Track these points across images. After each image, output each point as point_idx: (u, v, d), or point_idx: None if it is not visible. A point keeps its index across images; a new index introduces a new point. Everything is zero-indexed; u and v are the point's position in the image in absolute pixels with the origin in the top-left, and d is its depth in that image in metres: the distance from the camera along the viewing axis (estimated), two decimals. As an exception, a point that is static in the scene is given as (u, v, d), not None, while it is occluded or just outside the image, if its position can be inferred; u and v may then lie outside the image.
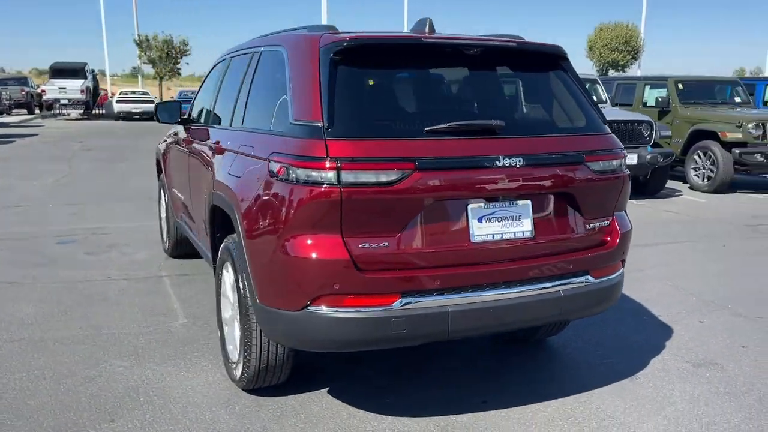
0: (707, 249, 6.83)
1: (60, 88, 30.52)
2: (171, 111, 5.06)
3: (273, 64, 3.38)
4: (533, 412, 3.27)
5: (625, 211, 3.38)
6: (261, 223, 2.88)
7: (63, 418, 3.14)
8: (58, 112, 31.23)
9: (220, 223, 3.68)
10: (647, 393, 3.48)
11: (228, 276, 3.52)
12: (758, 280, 5.69)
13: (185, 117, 5.15)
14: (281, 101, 3.09)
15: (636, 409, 3.30)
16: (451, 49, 3.04)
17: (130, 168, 13.37)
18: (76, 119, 31.03)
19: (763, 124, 10.32)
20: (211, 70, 4.99)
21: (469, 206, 2.84)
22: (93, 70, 34.52)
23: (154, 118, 5.12)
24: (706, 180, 10.72)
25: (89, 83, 31.89)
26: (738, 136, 10.30)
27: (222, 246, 3.49)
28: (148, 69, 42.71)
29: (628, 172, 3.28)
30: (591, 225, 3.14)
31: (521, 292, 2.92)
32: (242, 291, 3.13)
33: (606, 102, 11.18)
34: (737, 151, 10.29)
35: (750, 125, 10.26)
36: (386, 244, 2.72)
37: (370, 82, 2.95)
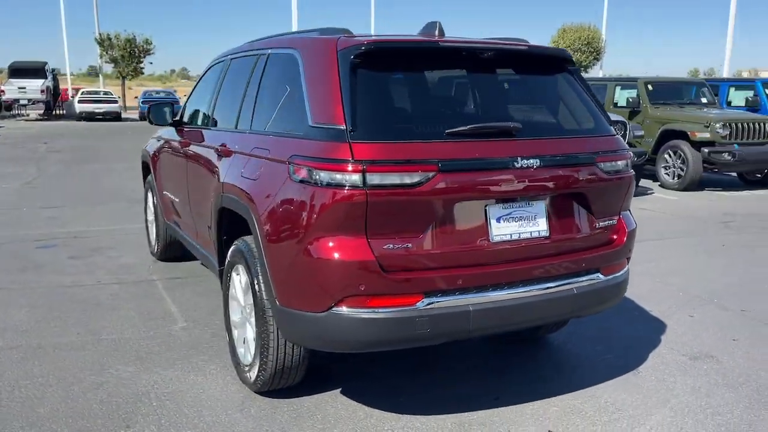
0: (688, 245, 7.04)
1: (19, 88, 29.77)
2: (164, 112, 5.01)
3: (284, 66, 3.38)
4: (545, 407, 3.34)
5: (630, 210, 3.48)
6: (282, 225, 2.89)
7: (77, 425, 3.10)
8: (17, 112, 30.43)
9: (228, 225, 3.67)
10: (651, 386, 3.59)
11: (238, 278, 3.51)
12: (739, 275, 5.89)
13: (177, 119, 5.10)
14: (296, 104, 3.10)
15: (642, 402, 3.40)
16: (465, 53, 3.10)
17: (101, 170, 13.13)
18: (36, 120, 30.32)
19: (729, 124, 10.66)
20: (206, 72, 4.95)
21: (488, 207, 2.90)
22: (53, 70, 33.72)
23: (147, 119, 5.05)
24: (676, 178, 11.02)
25: (49, 83, 31.17)
26: (706, 135, 10.63)
27: (232, 248, 3.48)
28: (107, 68, 41.94)
29: (633, 173, 3.38)
30: (600, 224, 3.23)
31: (538, 290, 2.99)
32: (258, 293, 3.13)
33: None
34: (706, 150, 10.61)
35: (718, 125, 10.59)
36: (409, 245, 2.76)
37: (389, 85, 2.99)
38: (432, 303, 2.78)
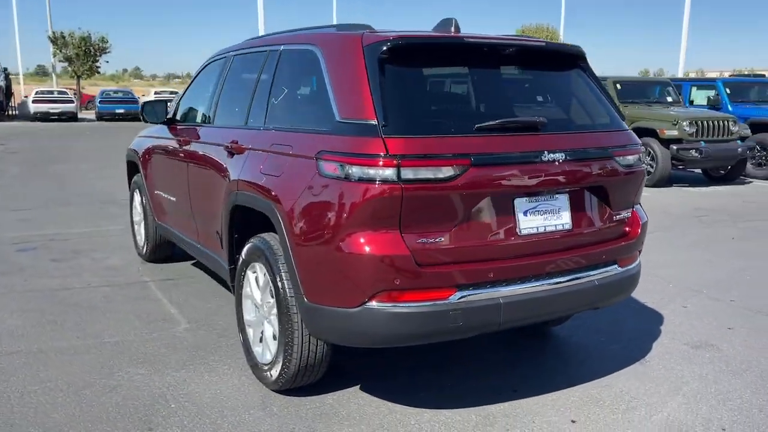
0: (667, 240, 7.23)
1: (-31, 88, 28.72)
2: (158, 110, 4.92)
3: (303, 63, 3.36)
4: (563, 397, 3.40)
5: (640, 204, 3.57)
6: (312, 221, 2.87)
7: (97, 430, 3.01)
8: (-33, 113, 29.38)
9: (241, 223, 3.63)
10: (660, 374, 3.69)
11: (254, 276, 3.47)
12: (721, 266, 6.09)
13: (170, 117, 5.01)
14: (319, 99, 3.08)
15: (656, 390, 3.49)
16: (488, 48, 3.13)
17: (66, 171, 12.77)
18: (-12, 120, 29.31)
19: (696, 122, 11.00)
20: (203, 69, 4.87)
21: (516, 200, 2.94)
22: (5, 69, 32.65)
23: (141, 117, 4.95)
24: (646, 175, 11.30)
25: (1, 82, 30.15)
26: (674, 133, 10.94)
27: (248, 246, 3.44)
28: (60, 67, 40.74)
29: (645, 167, 3.47)
30: (617, 217, 3.31)
31: (562, 282, 3.05)
32: (282, 290, 3.10)
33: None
34: (674, 147, 10.93)
35: (685, 123, 10.91)
36: (441, 238, 2.78)
37: (415, 80, 3.00)
38: (464, 296, 2.80)
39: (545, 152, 2.91)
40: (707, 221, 8.38)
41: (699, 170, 12.45)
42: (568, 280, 3.06)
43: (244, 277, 3.56)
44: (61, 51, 38.39)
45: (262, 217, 3.31)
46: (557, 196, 3.05)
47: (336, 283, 2.82)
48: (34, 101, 30.41)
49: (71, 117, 31.00)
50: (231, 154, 3.70)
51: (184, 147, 4.52)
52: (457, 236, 2.80)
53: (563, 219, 3.07)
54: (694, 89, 14.14)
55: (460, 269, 2.81)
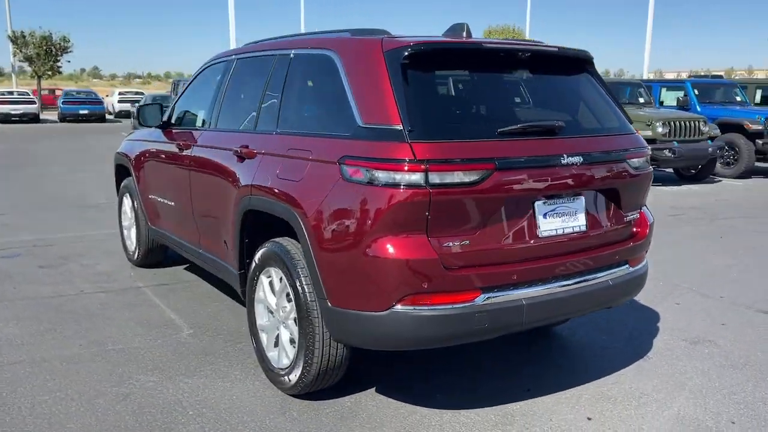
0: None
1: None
2: (154, 114, 4.86)
3: (318, 67, 3.36)
4: (576, 395, 3.47)
5: (646, 205, 3.67)
6: (336, 226, 2.88)
7: (118, 439, 2.98)
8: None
9: (252, 228, 3.61)
10: (665, 371, 3.79)
11: (268, 281, 3.46)
12: (705, 263, 6.27)
13: (165, 121, 4.95)
14: (337, 104, 3.09)
15: (663, 386, 3.59)
16: (504, 54, 3.18)
17: (37, 174, 12.48)
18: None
19: (668, 123, 11.29)
20: (200, 72, 4.83)
21: (536, 203, 2.99)
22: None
23: (138, 121, 4.88)
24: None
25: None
26: (648, 133, 11.18)
27: (263, 251, 3.43)
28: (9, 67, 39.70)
29: (652, 169, 3.57)
30: (627, 218, 3.40)
31: (580, 282, 3.12)
32: (302, 295, 3.10)
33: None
34: (649, 147, 11.16)
35: (658, 124, 11.19)
36: (467, 241, 2.81)
37: (436, 85, 3.03)
38: (489, 298, 2.84)
39: (564, 155, 2.98)
40: (685, 219, 8.61)
41: (671, 169, 12.75)
42: (585, 281, 3.13)
43: (257, 282, 3.55)
44: (21, 51, 37.42)
45: (277, 222, 3.30)
46: (574, 198, 3.12)
47: (363, 286, 2.84)
48: (-7, 102, 29.60)
49: (33, 118, 30.28)
50: (241, 158, 3.68)
51: (185, 151, 4.47)
52: (480, 239, 2.85)
53: (579, 221, 3.14)
54: (663, 90, 14.49)
55: (485, 272, 2.85)
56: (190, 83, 4.96)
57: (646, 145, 3.52)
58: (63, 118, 31.38)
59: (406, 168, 2.68)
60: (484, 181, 2.76)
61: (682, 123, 11.44)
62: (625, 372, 3.77)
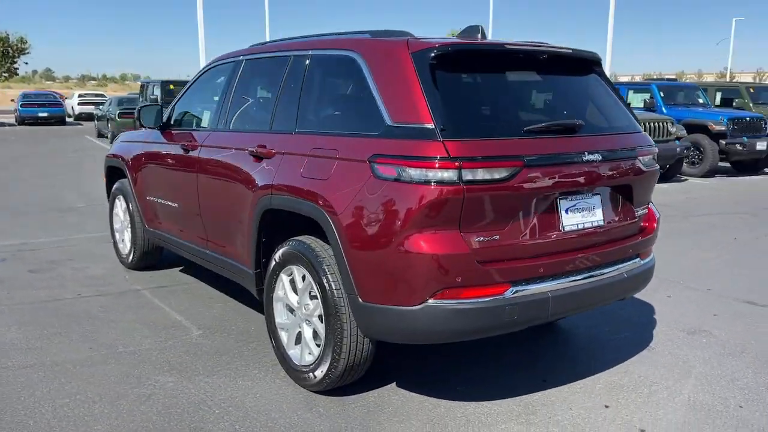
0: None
1: None
2: (154, 114, 4.83)
3: (340, 68, 3.41)
4: (590, 384, 3.59)
5: (652, 201, 3.82)
6: (368, 224, 2.93)
7: (150, 438, 2.97)
8: None
9: (270, 227, 3.64)
10: (669, 360, 3.95)
11: (288, 279, 3.49)
12: (687, 258, 6.52)
13: (165, 122, 4.93)
14: (364, 104, 3.14)
15: (670, 374, 3.74)
16: (524, 55, 3.28)
17: (6, 178, 12.17)
18: None
19: (644, 124, 11.61)
20: (203, 73, 4.82)
21: (559, 199, 3.10)
22: None
23: (138, 121, 4.84)
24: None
25: None
26: (620, 134, 11.49)
27: (284, 249, 3.45)
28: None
29: (658, 166, 3.72)
30: (638, 213, 3.54)
31: (599, 275, 3.24)
32: (329, 291, 3.14)
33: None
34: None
35: (629, 124, 11.50)
36: (497, 236, 2.90)
37: (462, 85, 3.11)
38: (518, 291, 2.94)
39: (585, 153, 3.09)
40: (666, 215, 8.86)
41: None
42: (603, 273, 3.25)
43: (276, 280, 3.57)
44: (-25, 52, 36.36)
45: (299, 220, 3.34)
46: (593, 194, 3.24)
47: (396, 282, 2.89)
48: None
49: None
50: (258, 158, 3.70)
51: (191, 152, 4.45)
52: (509, 233, 2.94)
53: (597, 216, 3.26)
54: (630, 92, 14.90)
55: (513, 265, 2.94)
56: (190, 84, 4.94)
57: (653, 143, 3.66)
58: (21, 121, 30.52)
59: (439, 165, 2.75)
60: (514, 178, 2.85)
61: (652, 124, 11.80)
62: (633, 362, 3.91)
